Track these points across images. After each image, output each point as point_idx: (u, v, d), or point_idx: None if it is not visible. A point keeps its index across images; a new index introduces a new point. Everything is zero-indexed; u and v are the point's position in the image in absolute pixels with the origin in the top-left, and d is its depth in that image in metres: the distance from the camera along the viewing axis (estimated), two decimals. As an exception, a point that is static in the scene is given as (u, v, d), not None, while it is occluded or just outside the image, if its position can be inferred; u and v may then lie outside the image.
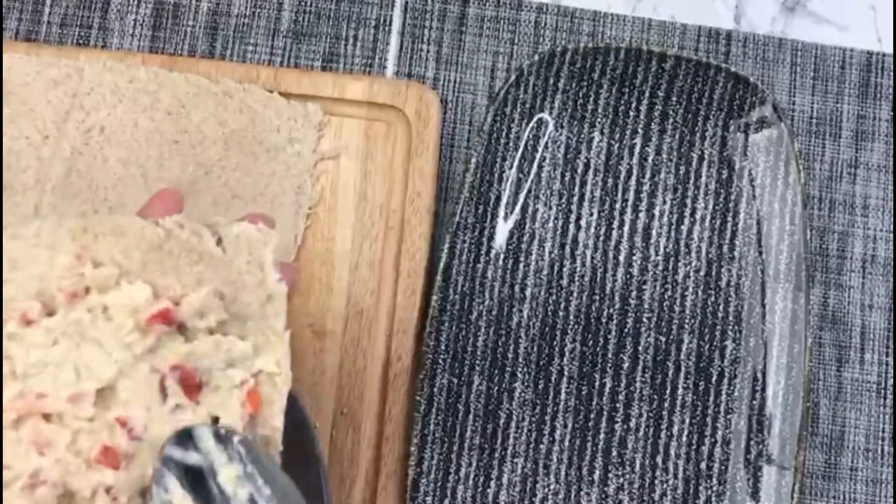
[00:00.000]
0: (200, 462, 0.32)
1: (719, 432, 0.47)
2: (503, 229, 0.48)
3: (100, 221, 0.33)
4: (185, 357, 0.33)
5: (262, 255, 0.34)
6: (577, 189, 0.49)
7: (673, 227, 0.49)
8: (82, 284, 0.32)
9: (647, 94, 0.49)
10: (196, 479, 0.32)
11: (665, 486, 0.47)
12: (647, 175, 0.49)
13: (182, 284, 0.33)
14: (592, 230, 0.49)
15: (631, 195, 0.49)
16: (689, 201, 0.49)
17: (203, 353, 0.33)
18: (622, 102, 0.49)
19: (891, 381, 0.49)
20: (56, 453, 0.31)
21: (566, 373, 0.48)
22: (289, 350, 0.33)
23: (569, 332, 0.48)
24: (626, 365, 0.48)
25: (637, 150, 0.50)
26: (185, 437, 0.32)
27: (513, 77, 0.48)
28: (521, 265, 0.48)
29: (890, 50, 0.53)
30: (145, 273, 0.33)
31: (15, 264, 0.32)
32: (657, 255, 0.49)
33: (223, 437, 0.32)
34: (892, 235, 0.51)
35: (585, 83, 0.49)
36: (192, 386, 0.33)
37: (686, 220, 0.49)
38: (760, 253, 0.48)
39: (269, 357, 0.33)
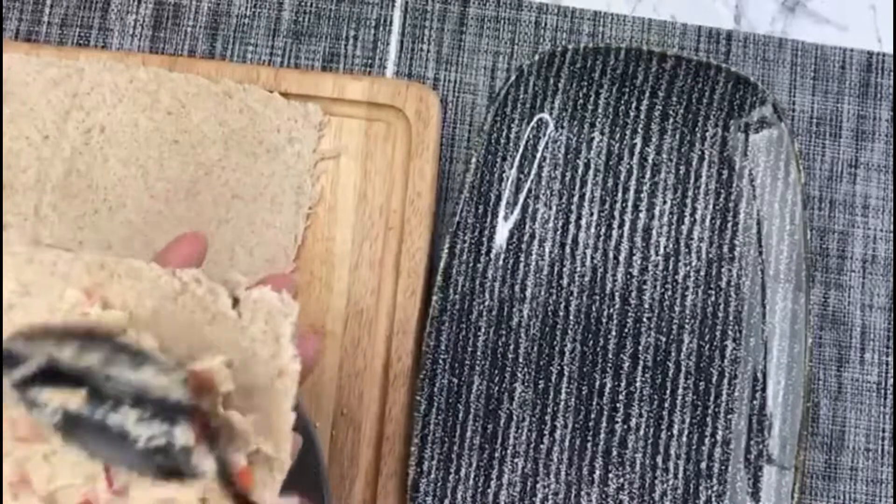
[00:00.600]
0: (42, 361, 0.30)
1: (719, 432, 0.47)
2: (503, 229, 0.48)
3: (118, 261, 0.31)
4: None
5: (280, 326, 0.31)
6: (577, 189, 0.49)
7: (673, 227, 0.49)
8: (86, 325, 0.31)
9: (647, 94, 0.49)
10: (50, 374, 0.30)
11: (665, 486, 0.47)
12: (648, 175, 0.49)
13: (189, 345, 0.31)
14: (592, 230, 0.49)
15: (631, 195, 0.49)
16: (689, 201, 0.49)
17: None
18: (622, 102, 0.49)
19: (891, 381, 0.49)
20: (31, 499, 0.29)
21: (566, 373, 0.48)
22: (291, 434, 0.31)
23: (569, 332, 0.48)
24: (626, 365, 0.48)
25: (637, 150, 0.50)
26: (10, 359, 0.30)
27: (513, 77, 0.48)
28: (522, 265, 0.48)
29: (890, 50, 0.53)
30: (155, 324, 0.31)
31: (28, 290, 0.31)
32: (657, 255, 0.49)
33: (34, 334, 0.30)
34: (892, 235, 0.51)
35: (585, 83, 0.49)
36: None
37: (686, 220, 0.49)
38: (760, 253, 0.48)
39: (270, 438, 0.30)
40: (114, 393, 0.30)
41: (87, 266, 0.32)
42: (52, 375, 0.30)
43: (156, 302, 0.31)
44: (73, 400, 0.30)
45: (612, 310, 0.48)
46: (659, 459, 0.47)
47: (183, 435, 0.29)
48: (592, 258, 0.49)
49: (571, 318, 0.48)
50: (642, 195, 0.49)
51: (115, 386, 0.30)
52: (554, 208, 0.49)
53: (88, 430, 0.30)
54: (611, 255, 0.49)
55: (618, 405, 0.47)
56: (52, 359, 0.30)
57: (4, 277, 0.31)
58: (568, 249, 0.49)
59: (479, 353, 0.47)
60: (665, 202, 0.49)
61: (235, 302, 0.31)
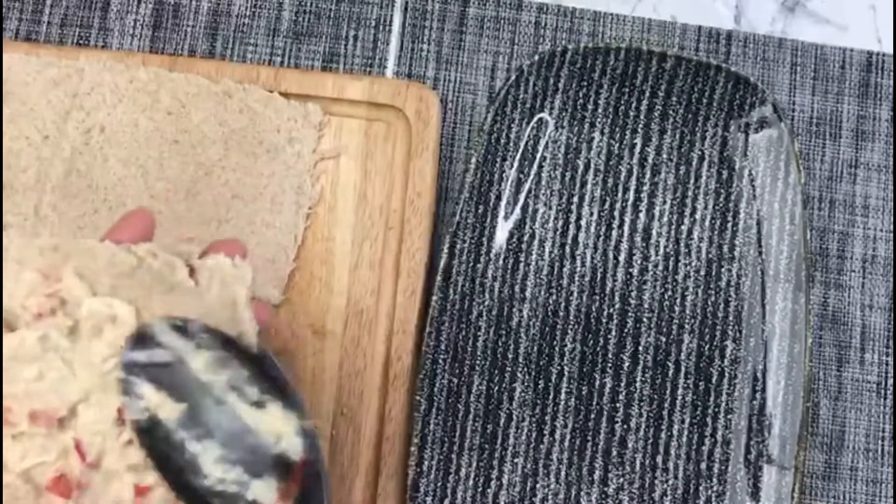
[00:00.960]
0: (167, 357, 0.30)
1: (719, 432, 0.47)
2: (503, 229, 0.48)
3: (72, 242, 0.32)
4: None
5: (235, 291, 0.32)
6: (577, 189, 0.49)
7: (673, 227, 0.49)
8: (49, 305, 0.31)
9: (647, 94, 0.49)
10: (168, 375, 0.30)
11: (665, 486, 0.47)
12: (647, 175, 0.49)
13: (151, 314, 0.31)
14: (592, 230, 0.49)
15: (631, 195, 0.49)
16: (689, 201, 0.49)
17: None
18: (622, 102, 0.49)
19: (891, 381, 0.49)
20: (7, 477, 0.30)
21: (566, 373, 0.48)
22: None
23: (569, 332, 0.48)
24: (626, 365, 0.48)
25: (637, 150, 0.50)
26: (142, 339, 0.30)
27: (513, 77, 0.48)
28: (521, 265, 0.48)
29: (890, 50, 0.53)
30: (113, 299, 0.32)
31: None
32: (657, 255, 0.49)
33: (182, 328, 0.30)
34: (892, 235, 0.51)
35: (585, 83, 0.49)
36: None
37: (686, 220, 0.49)
38: (760, 253, 0.48)
39: None
40: (212, 422, 0.29)
41: (40, 249, 0.32)
42: (168, 373, 0.30)
43: (113, 278, 0.32)
44: (168, 411, 0.30)
45: (612, 310, 0.48)
46: (659, 459, 0.47)
47: (263, 492, 0.29)
48: (592, 258, 0.49)
49: (571, 318, 0.48)
50: (642, 195, 0.49)
51: (219, 415, 0.29)
52: (554, 208, 0.49)
53: (162, 443, 0.29)
54: (611, 255, 0.49)
55: (618, 405, 0.47)
56: (181, 361, 0.30)
57: None
58: (568, 249, 0.49)
59: (479, 353, 0.47)
60: (665, 202, 0.49)
61: (192, 272, 0.32)
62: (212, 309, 0.32)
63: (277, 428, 0.31)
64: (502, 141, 0.48)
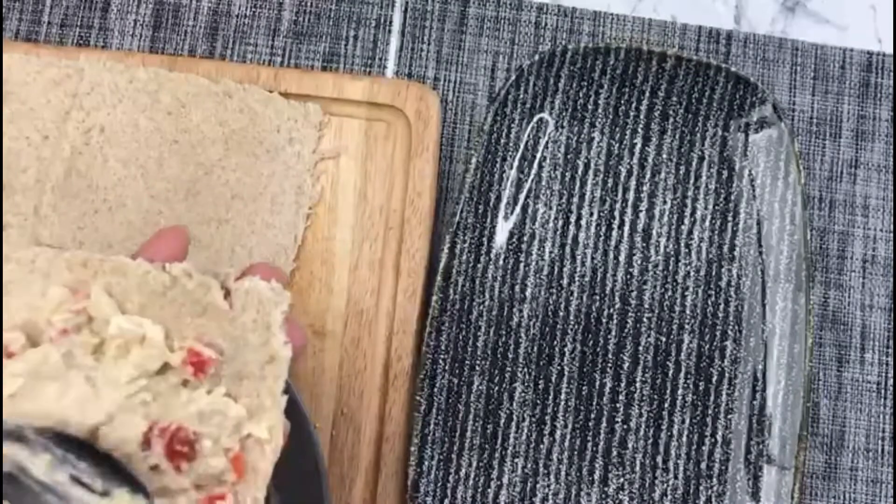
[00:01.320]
0: (8, 468, 0.29)
1: (719, 432, 0.47)
2: (503, 229, 0.48)
3: (101, 259, 0.31)
4: (186, 417, 0.30)
5: (271, 315, 0.31)
6: (577, 189, 0.49)
7: (673, 227, 0.49)
8: (75, 322, 0.31)
9: (647, 94, 0.49)
10: (10, 486, 0.29)
11: (665, 486, 0.47)
12: (647, 175, 0.49)
13: (181, 336, 0.31)
14: (592, 230, 0.49)
15: (631, 195, 0.49)
16: (689, 201, 0.49)
17: (200, 413, 0.31)
18: (622, 102, 0.49)
19: (891, 381, 0.49)
20: None
21: (566, 373, 0.48)
22: (283, 417, 0.31)
23: (569, 332, 0.48)
24: (626, 365, 0.48)
25: (637, 150, 0.50)
26: None
27: (513, 77, 0.48)
28: (521, 265, 0.48)
29: (890, 50, 0.53)
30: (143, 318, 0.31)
31: (7, 289, 0.31)
32: (657, 255, 0.49)
33: (19, 435, 0.29)
34: (892, 235, 0.51)
35: (585, 83, 0.49)
36: (179, 449, 0.30)
37: (686, 220, 0.49)
38: (760, 253, 0.48)
39: (262, 422, 0.31)
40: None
41: (68, 263, 0.31)
42: (10, 483, 0.29)
43: (144, 297, 0.31)
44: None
45: (612, 310, 0.48)
46: (659, 459, 0.47)
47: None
48: (592, 258, 0.49)
49: (571, 318, 0.48)
50: (642, 195, 0.49)
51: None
52: (554, 208, 0.49)
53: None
54: (611, 255, 0.49)
55: (618, 405, 0.47)
56: (18, 467, 0.29)
57: None
58: (568, 249, 0.49)
59: (479, 353, 0.47)
60: (665, 202, 0.49)
61: (226, 293, 0.32)
62: (245, 333, 0.31)
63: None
64: (502, 141, 0.48)
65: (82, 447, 0.30)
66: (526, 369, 0.47)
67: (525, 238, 0.49)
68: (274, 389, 0.31)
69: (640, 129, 0.50)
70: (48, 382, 0.30)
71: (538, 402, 0.47)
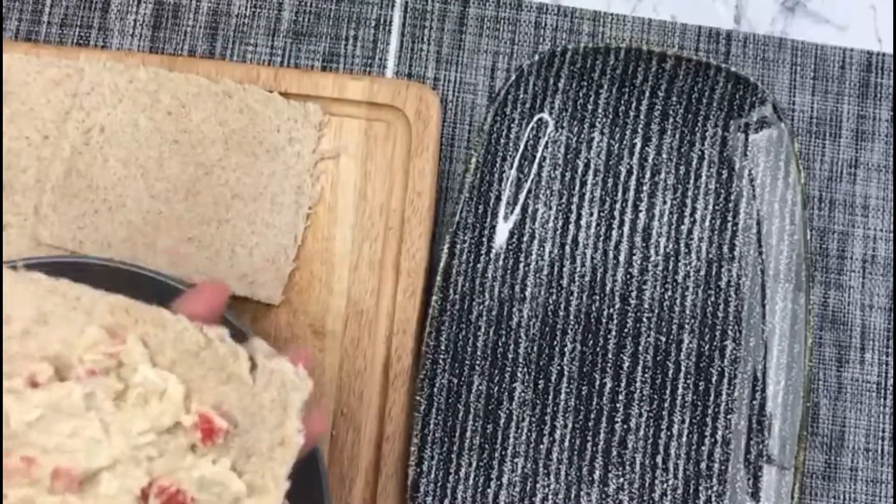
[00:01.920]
0: None
1: (719, 432, 0.47)
2: (503, 229, 0.48)
3: (145, 308, 0.32)
4: (187, 481, 0.31)
5: (290, 399, 0.32)
6: (577, 189, 0.49)
7: (673, 227, 0.49)
8: (105, 364, 0.31)
9: (647, 94, 0.49)
10: None
11: (665, 486, 0.47)
12: (647, 175, 0.49)
13: (200, 398, 0.32)
14: (592, 230, 0.49)
15: (631, 195, 0.49)
16: (689, 201, 0.49)
17: (201, 480, 0.31)
18: (622, 102, 0.49)
19: (891, 381, 0.49)
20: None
21: (566, 373, 0.48)
22: (283, 502, 0.31)
23: (569, 332, 0.48)
24: (626, 365, 0.48)
25: (637, 150, 0.50)
26: None
27: (513, 77, 0.48)
28: (521, 265, 0.48)
29: (890, 50, 0.53)
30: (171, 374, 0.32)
31: (45, 318, 0.31)
32: (657, 255, 0.49)
33: None
34: (892, 235, 0.51)
35: (585, 83, 0.49)
36: None
37: (686, 220, 0.49)
38: (760, 253, 0.48)
39: (261, 503, 0.31)
40: None
41: (111, 307, 0.32)
42: None
43: (176, 354, 0.32)
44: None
45: (612, 310, 0.48)
46: (659, 459, 0.47)
47: None
48: (592, 258, 0.49)
49: (571, 318, 0.48)
50: (642, 195, 0.49)
51: None
52: (554, 208, 0.49)
53: None
54: (611, 255, 0.49)
55: (617, 405, 0.47)
56: None
57: (24, 303, 0.31)
58: (568, 249, 0.49)
59: (479, 353, 0.47)
60: (665, 202, 0.49)
61: (253, 366, 0.32)
62: (262, 411, 0.32)
63: None
64: (502, 141, 0.48)
65: None
66: (526, 369, 0.47)
67: (525, 238, 0.49)
68: (279, 473, 0.31)
69: (640, 129, 0.50)
70: (64, 419, 0.30)
71: (538, 402, 0.47)
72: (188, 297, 0.35)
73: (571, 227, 0.49)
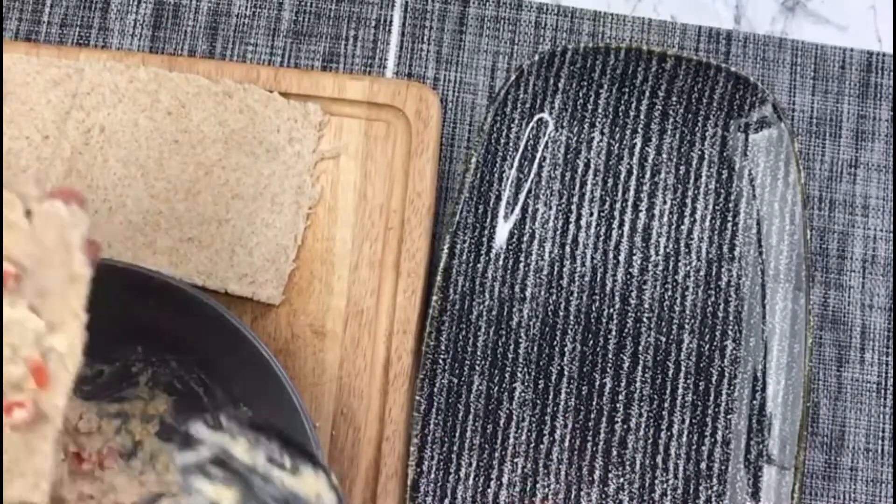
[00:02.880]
0: (214, 452, 0.33)
1: (719, 432, 0.47)
2: (503, 229, 0.48)
3: None
4: None
5: (70, 236, 0.33)
6: (577, 189, 0.49)
7: (673, 227, 0.49)
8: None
9: (647, 94, 0.49)
10: (218, 468, 0.34)
11: (665, 486, 0.47)
12: (647, 175, 0.49)
13: None
14: (592, 230, 0.49)
15: (631, 195, 0.49)
16: (689, 201, 0.49)
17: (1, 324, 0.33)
18: (622, 102, 0.49)
19: (891, 381, 0.49)
20: None
21: (566, 373, 0.48)
22: (83, 333, 0.33)
23: (569, 332, 0.48)
24: (626, 365, 0.48)
25: (637, 150, 0.50)
26: (185, 441, 0.34)
27: (513, 77, 0.48)
28: (521, 265, 0.48)
29: (890, 50, 0.53)
30: None
31: None
32: (657, 255, 0.49)
33: (214, 424, 0.34)
34: (892, 235, 0.51)
35: (585, 83, 0.49)
36: None
37: (686, 220, 0.49)
38: (760, 253, 0.48)
39: (63, 337, 0.33)
40: (265, 496, 0.34)
41: None
42: (217, 465, 0.34)
43: None
44: (228, 498, 0.34)
45: (612, 310, 0.48)
46: (659, 459, 0.47)
47: None
48: (592, 258, 0.49)
49: (571, 318, 0.48)
50: (642, 195, 0.49)
51: (268, 489, 0.34)
52: (554, 208, 0.49)
53: None
54: (611, 255, 0.49)
55: (618, 405, 0.47)
56: (224, 452, 0.34)
57: None
58: (568, 249, 0.49)
59: (479, 353, 0.47)
60: (665, 202, 0.49)
61: (28, 214, 0.33)
62: (46, 252, 0.33)
63: (315, 488, 0.34)
64: (502, 141, 0.48)
65: (269, 430, 0.34)
66: (526, 369, 0.47)
67: (525, 238, 0.49)
68: (75, 306, 0.33)
69: (640, 129, 0.50)
70: None
71: (538, 402, 0.47)
72: None
73: (571, 227, 0.49)
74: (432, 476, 0.46)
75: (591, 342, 0.48)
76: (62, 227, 0.33)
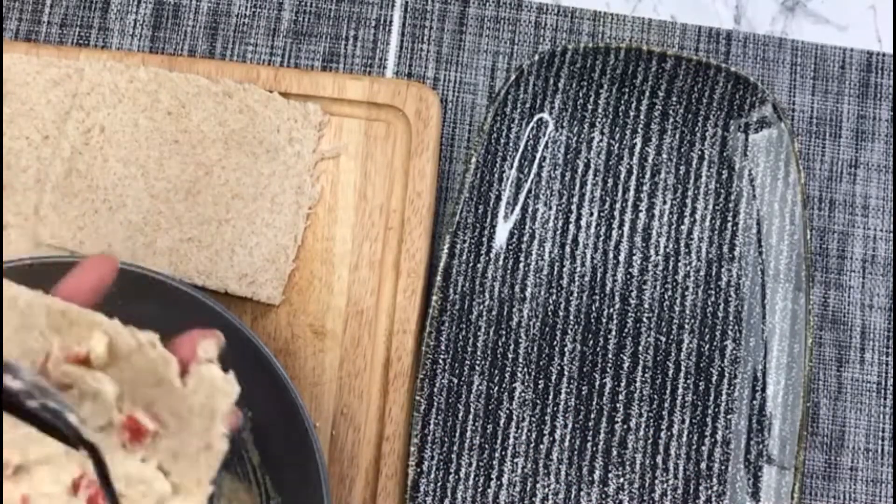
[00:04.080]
0: None
1: (719, 432, 0.47)
2: (503, 229, 0.48)
3: (79, 311, 0.32)
4: (114, 476, 0.31)
5: (218, 403, 0.32)
6: (577, 189, 0.49)
7: (673, 227, 0.49)
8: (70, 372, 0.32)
9: (647, 94, 0.49)
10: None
11: (665, 486, 0.47)
12: (647, 175, 0.49)
13: (132, 400, 0.32)
14: (592, 230, 0.49)
15: (631, 195, 0.49)
16: (689, 201, 0.49)
17: (127, 476, 0.32)
18: (622, 102, 0.49)
19: (891, 381, 0.49)
20: None
21: (566, 373, 0.48)
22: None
23: (569, 332, 0.48)
24: (626, 365, 0.48)
25: (637, 150, 0.50)
26: None
27: (513, 77, 0.48)
28: (521, 265, 0.48)
29: (890, 50, 0.53)
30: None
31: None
32: (657, 255, 0.49)
33: None
34: (892, 235, 0.51)
35: (585, 83, 0.49)
36: None
37: (686, 220, 0.49)
38: (760, 253, 0.48)
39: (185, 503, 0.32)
40: None
41: (47, 308, 0.32)
42: None
43: (110, 356, 0.32)
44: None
45: (612, 310, 0.48)
46: (659, 459, 0.47)
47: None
48: (592, 258, 0.49)
49: (571, 318, 0.48)
50: (642, 195, 0.49)
51: None
52: (554, 208, 0.49)
53: None
54: (611, 255, 0.49)
55: (617, 405, 0.47)
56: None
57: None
58: (568, 249, 0.49)
59: (479, 353, 0.47)
60: (665, 202, 0.49)
61: (184, 373, 0.32)
62: (191, 415, 0.32)
63: None
64: (502, 141, 0.48)
65: None
66: (526, 369, 0.47)
67: (525, 238, 0.49)
68: (203, 477, 0.32)
69: (640, 129, 0.50)
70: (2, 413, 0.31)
71: (538, 402, 0.47)
72: (78, 271, 0.35)
73: (571, 227, 0.49)
74: (432, 476, 0.46)
75: (591, 342, 0.48)
76: (213, 393, 0.32)
